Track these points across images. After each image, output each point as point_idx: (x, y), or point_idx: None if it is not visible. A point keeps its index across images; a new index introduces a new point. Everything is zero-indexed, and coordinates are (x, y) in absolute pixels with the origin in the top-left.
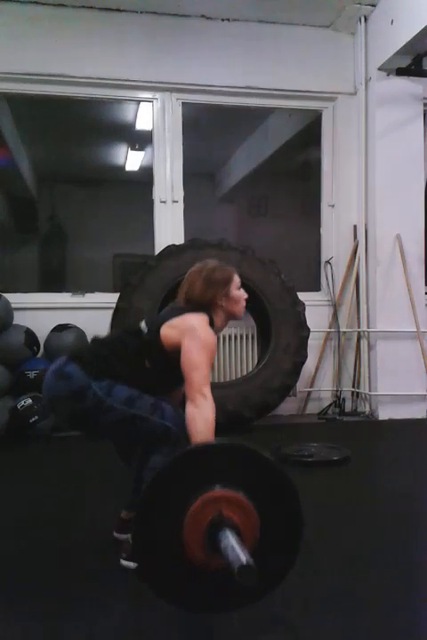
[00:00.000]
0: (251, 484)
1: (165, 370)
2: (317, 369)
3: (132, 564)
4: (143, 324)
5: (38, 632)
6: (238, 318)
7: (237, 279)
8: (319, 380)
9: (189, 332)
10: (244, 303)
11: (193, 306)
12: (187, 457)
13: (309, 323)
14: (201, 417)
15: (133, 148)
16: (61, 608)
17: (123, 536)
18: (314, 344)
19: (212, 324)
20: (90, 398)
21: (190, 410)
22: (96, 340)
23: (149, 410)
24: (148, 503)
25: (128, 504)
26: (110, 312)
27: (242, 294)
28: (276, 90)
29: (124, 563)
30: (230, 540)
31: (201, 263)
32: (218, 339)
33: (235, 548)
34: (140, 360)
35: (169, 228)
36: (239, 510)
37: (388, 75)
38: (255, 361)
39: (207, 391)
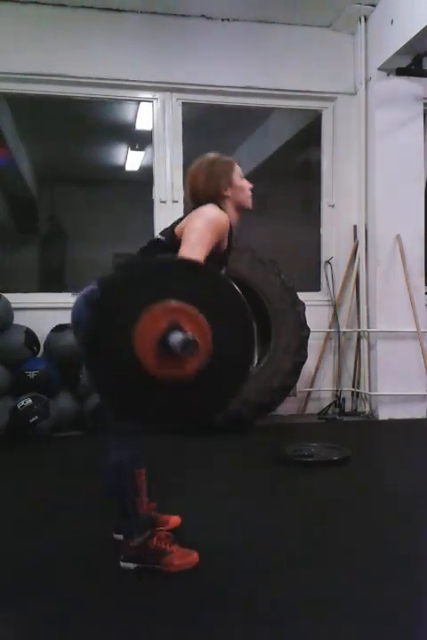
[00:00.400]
0: (203, 300)
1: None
2: (317, 369)
3: (131, 565)
4: (159, 235)
5: (39, 632)
6: (248, 208)
7: (238, 168)
8: (319, 380)
9: (196, 214)
10: (250, 192)
11: (200, 202)
12: (140, 269)
13: (309, 323)
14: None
15: (133, 148)
16: (61, 608)
17: (121, 537)
18: (314, 344)
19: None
20: None
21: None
22: (120, 265)
23: None
24: (101, 312)
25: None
26: None
27: (247, 183)
28: (276, 90)
29: (123, 564)
30: (178, 334)
31: (200, 158)
32: None
33: (180, 334)
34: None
35: None
36: (192, 323)
37: (388, 75)
38: (255, 361)
39: (199, 254)
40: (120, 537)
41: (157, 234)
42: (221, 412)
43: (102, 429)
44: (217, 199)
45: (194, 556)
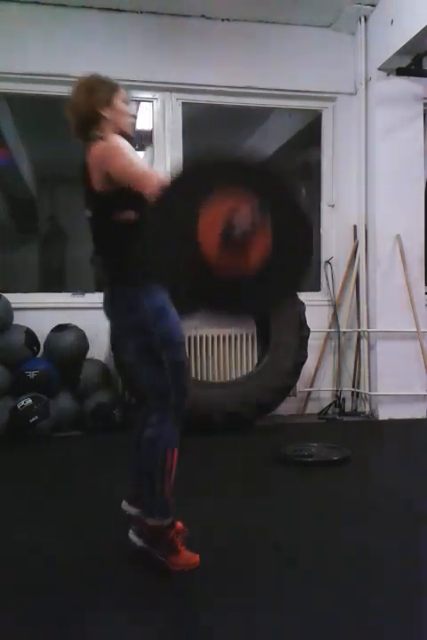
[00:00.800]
0: (270, 201)
1: (127, 203)
2: (317, 369)
3: (139, 541)
4: (87, 212)
5: (38, 631)
6: (130, 136)
7: (124, 92)
8: (319, 379)
9: (102, 156)
10: (132, 120)
11: (81, 123)
12: (199, 163)
13: (309, 323)
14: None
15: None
16: (61, 608)
17: (133, 510)
18: (314, 344)
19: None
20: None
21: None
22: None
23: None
24: (161, 208)
25: (130, 494)
26: None
27: (129, 109)
28: (276, 90)
29: (131, 536)
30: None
31: (80, 79)
32: (218, 339)
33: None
34: (109, 224)
35: None
36: (252, 211)
37: (388, 75)
38: (255, 361)
39: (156, 174)
40: (131, 510)
41: (86, 212)
42: (284, 302)
43: (144, 403)
44: (96, 122)
45: (196, 559)
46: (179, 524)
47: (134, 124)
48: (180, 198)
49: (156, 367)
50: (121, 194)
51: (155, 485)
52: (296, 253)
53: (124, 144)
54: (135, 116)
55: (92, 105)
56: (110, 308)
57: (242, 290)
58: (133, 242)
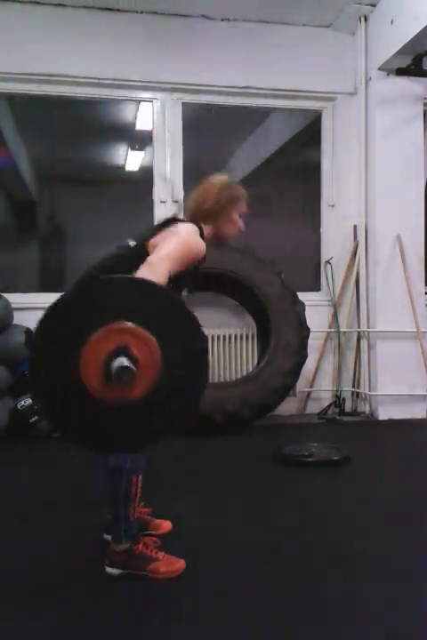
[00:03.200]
0: (154, 320)
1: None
2: (317, 369)
3: (115, 571)
4: (131, 241)
5: (38, 632)
6: (225, 242)
7: (244, 206)
8: (319, 379)
9: (172, 232)
10: (238, 232)
11: (195, 213)
12: (86, 289)
13: (309, 323)
14: (148, 273)
15: (133, 148)
16: (61, 608)
17: (108, 537)
18: (314, 344)
19: (201, 235)
20: None
21: (142, 269)
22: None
23: None
24: (44, 336)
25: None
26: None
27: (241, 223)
28: (276, 90)
29: (108, 570)
30: (120, 359)
31: (219, 176)
32: (218, 339)
33: (118, 360)
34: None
35: None
36: (141, 343)
37: (388, 75)
38: (255, 361)
39: (164, 265)
40: (109, 537)
41: (129, 240)
42: (173, 434)
43: None
44: (205, 217)
45: (181, 564)
46: (148, 539)
47: (240, 231)
48: (70, 320)
49: None
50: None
51: (120, 513)
52: (189, 381)
53: (186, 238)
54: (244, 230)
55: (209, 208)
56: None
57: (132, 420)
58: None
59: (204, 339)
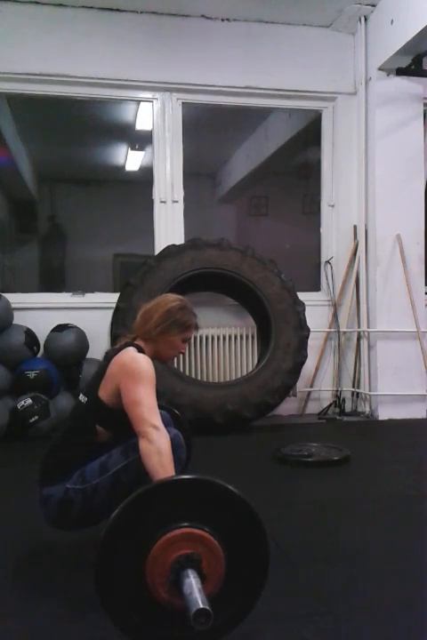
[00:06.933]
0: (216, 520)
1: (120, 427)
2: (317, 369)
3: None
4: (81, 396)
5: (37, 630)
6: (161, 362)
7: (191, 335)
8: (319, 379)
9: (121, 374)
10: (175, 356)
11: (140, 333)
12: (139, 499)
13: (309, 323)
14: (156, 450)
15: (133, 148)
16: (62, 608)
17: None
18: (314, 344)
19: (141, 352)
20: (74, 498)
21: (143, 445)
22: (52, 442)
23: (122, 458)
24: (107, 546)
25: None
26: (110, 312)
27: (183, 347)
28: (276, 90)
29: None
30: (191, 582)
31: (169, 298)
32: (217, 339)
33: (194, 591)
34: (93, 433)
35: (169, 227)
36: (204, 548)
37: (388, 75)
38: (255, 361)
39: (157, 421)
40: None
41: (81, 396)
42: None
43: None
44: (148, 339)
45: None
46: None
47: (180, 351)
48: (133, 527)
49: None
50: (120, 415)
51: None
52: (253, 573)
53: (147, 375)
54: (183, 350)
55: (155, 330)
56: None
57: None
58: (100, 449)
59: (266, 537)
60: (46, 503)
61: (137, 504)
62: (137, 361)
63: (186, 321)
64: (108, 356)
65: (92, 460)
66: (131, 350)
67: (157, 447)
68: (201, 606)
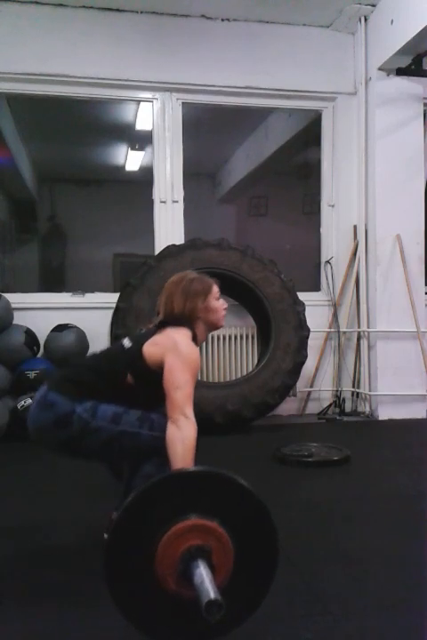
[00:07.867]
0: (227, 513)
1: (150, 386)
2: (317, 369)
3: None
4: (126, 341)
5: (37, 629)
6: (220, 327)
7: (216, 289)
8: (319, 379)
9: (172, 349)
10: (224, 313)
11: (174, 320)
12: (158, 486)
13: (309, 323)
14: (182, 439)
15: (133, 148)
16: (62, 608)
17: None
18: (314, 344)
19: (194, 338)
20: (75, 423)
21: (172, 431)
22: (76, 362)
23: (136, 424)
24: (119, 531)
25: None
26: (110, 312)
27: (222, 304)
28: (276, 90)
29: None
30: (202, 573)
31: (179, 274)
32: (217, 339)
33: (205, 581)
34: (123, 376)
35: (169, 227)
36: (214, 540)
37: (388, 75)
38: (255, 361)
39: (190, 412)
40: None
41: (125, 340)
42: (239, 625)
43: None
44: (190, 321)
45: None
46: None
47: (225, 309)
48: (147, 513)
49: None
50: (154, 378)
51: None
52: (262, 565)
53: (191, 361)
54: (226, 307)
55: (191, 310)
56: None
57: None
58: (123, 395)
59: (275, 532)
60: (46, 408)
61: (154, 491)
62: (191, 347)
63: (202, 288)
64: (162, 323)
65: (107, 401)
66: (188, 333)
67: (183, 436)
68: (213, 597)
